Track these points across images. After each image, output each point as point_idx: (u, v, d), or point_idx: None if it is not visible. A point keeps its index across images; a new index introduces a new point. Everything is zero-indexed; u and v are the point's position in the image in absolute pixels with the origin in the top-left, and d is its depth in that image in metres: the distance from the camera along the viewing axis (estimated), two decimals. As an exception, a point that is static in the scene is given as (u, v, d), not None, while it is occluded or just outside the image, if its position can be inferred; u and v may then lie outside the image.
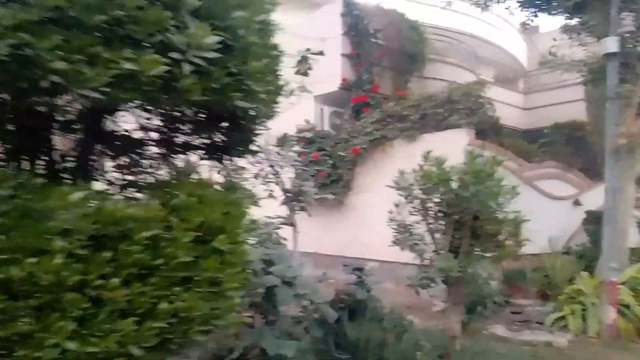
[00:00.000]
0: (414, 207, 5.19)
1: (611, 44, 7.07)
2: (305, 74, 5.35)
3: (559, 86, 14.83)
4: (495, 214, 4.43)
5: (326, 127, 11.90)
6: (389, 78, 11.91)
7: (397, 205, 5.35)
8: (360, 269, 5.89)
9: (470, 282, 6.59)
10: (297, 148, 11.62)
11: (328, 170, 10.77)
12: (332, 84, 11.62)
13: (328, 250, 11.51)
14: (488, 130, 9.25)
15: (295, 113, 12.21)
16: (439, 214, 4.89)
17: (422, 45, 12.06)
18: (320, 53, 5.31)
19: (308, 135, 11.24)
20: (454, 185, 4.64)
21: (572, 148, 11.00)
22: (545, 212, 10.60)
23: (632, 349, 6.68)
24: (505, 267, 9.18)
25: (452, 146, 8.20)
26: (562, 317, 7.62)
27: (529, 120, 16.03)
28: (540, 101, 16.15)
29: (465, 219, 4.65)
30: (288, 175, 6.50)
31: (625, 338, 7.01)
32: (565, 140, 11.09)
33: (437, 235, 4.98)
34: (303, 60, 5.27)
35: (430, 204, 5.02)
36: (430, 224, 5.06)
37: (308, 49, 5.26)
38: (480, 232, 4.60)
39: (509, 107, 15.26)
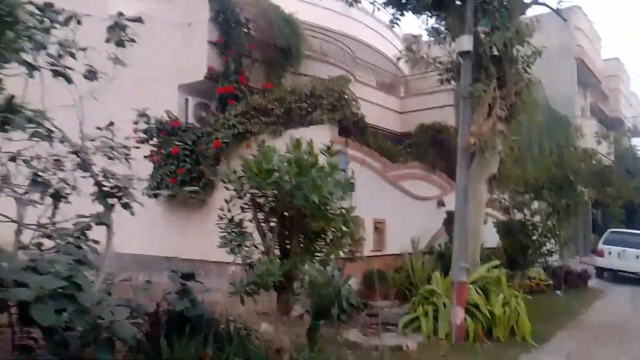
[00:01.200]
0: (246, 204, 4.54)
1: (465, 43, 7.06)
2: (120, 44, 4.45)
3: (433, 91, 15.25)
4: (322, 209, 3.90)
5: (191, 120, 10.94)
6: (260, 71, 11.27)
7: (227, 202, 4.65)
8: (189, 276, 5.12)
9: (316, 286, 6.12)
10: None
11: (188, 166, 9.83)
12: (198, 73, 10.71)
13: (189, 254, 10.53)
14: (352, 128, 8.98)
15: (156, 102, 11.13)
16: (268, 211, 4.27)
17: (297, 40, 11.57)
18: (138, 20, 4.45)
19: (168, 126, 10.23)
20: (285, 177, 4.04)
21: (436, 150, 11.20)
22: (409, 212, 10.64)
23: (477, 351, 6.65)
24: (365, 268, 8.94)
25: (315, 144, 7.76)
26: (417, 319, 7.48)
27: (404, 124, 16.36)
28: (415, 105, 16.56)
29: (293, 216, 4.09)
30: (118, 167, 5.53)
31: (473, 339, 7.01)
32: (429, 142, 11.27)
33: (269, 235, 4.35)
34: (115, 28, 4.38)
35: (261, 200, 4.38)
36: (260, 221, 4.42)
37: (121, 14, 4.38)
38: (308, 230, 4.05)
39: (386, 111, 15.41)
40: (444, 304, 7.21)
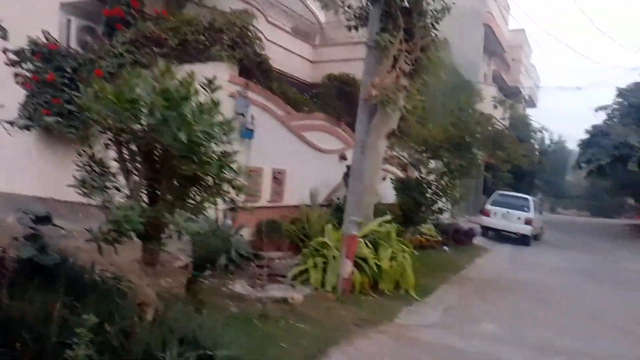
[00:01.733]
0: (110, 139, 3.91)
1: (373, -12, 6.69)
2: None
3: (347, 42, 14.83)
4: (195, 150, 3.41)
5: (73, 44, 9.64)
6: (160, -1, 10.13)
7: (87, 137, 4.00)
8: (44, 219, 4.44)
9: (198, 236, 5.69)
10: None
11: (66, 97, 8.69)
12: (83, -10, 9.38)
13: (70, 196, 9.53)
14: (255, 70, 8.38)
15: (31, 19, 9.65)
16: (133, 149, 3.69)
17: (203, -33, 10.49)
18: None
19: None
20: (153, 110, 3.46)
21: (342, 102, 10.95)
22: (311, 165, 10.41)
23: (362, 303, 6.68)
24: (259, 219, 8.64)
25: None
26: (307, 271, 7.36)
27: (316, 74, 15.89)
28: (328, 56, 16.09)
29: (162, 156, 3.56)
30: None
31: (360, 292, 7.04)
32: (336, 94, 10.98)
33: (133, 177, 3.80)
34: None
35: (126, 135, 3.77)
36: (126, 160, 3.84)
37: None
38: (178, 174, 3.56)
39: (297, 58, 14.80)
40: (334, 257, 7.13)
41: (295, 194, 9.80)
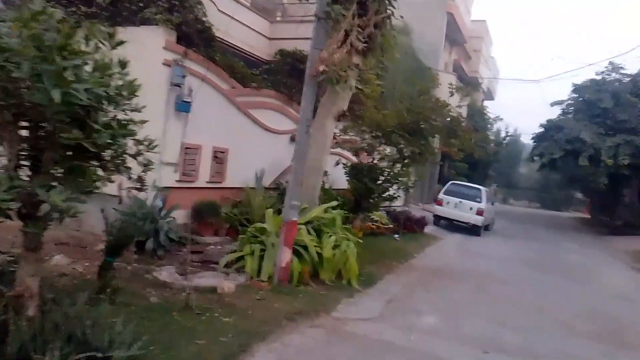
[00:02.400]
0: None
1: (325, -46, 6.12)
2: None
3: (307, 20, 14.17)
4: (79, 115, 2.81)
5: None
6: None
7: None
8: None
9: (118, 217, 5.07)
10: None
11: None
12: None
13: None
14: (196, 38, 7.69)
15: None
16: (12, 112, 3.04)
17: None
18: None
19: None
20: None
21: (295, 80, 10.36)
22: (258, 145, 9.83)
23: (299, 294, 6.22)
24: (196, 200, 8.04)
25: (143, 49, 6.37)
26: (243, 258, 6.84)
27: (273, 51, 15.19)
28: (287, 33, 15.38)
29: (39, 121, 2.94)
30: None
31: (298, 282, 6.59)
32: (289, 71, 10.38)
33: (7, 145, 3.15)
34: None
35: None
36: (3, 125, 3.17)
37: None
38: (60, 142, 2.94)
39: (253, 33, 14.03)
40: (273, 244, 6.65)
41: (239, 175, 9.21)
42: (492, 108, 31.21)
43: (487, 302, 7.51)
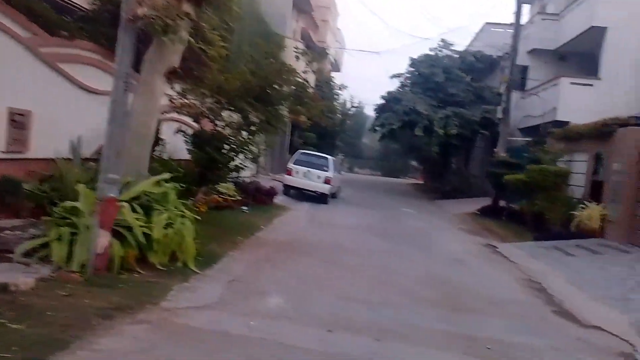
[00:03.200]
0: None
1: None
2: None
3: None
4: None
5: None
6: None
7: None
8: None
9: None
10: None
11: None
12: None
13: None
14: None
15: None
16: None
17: None
18: None
19: None
20: None
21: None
22: (74, 106, 8.24)
23: (120, 284, 5.19)
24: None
25: None
26: (48, 245, 5.54)
27: None
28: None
29: None
30: None
31: (121, 269, 5.55)
32: (110, 20, 8.80)
33: None
34: None
35: None
36: None
37: None
38: None
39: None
40: (87, 226, 5.47)
41: (49, 144, 7.60)
42: (339, 80, 32.01)
43: (335, 275, 7.28)
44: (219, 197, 12.01)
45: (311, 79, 21.70)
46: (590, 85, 17.31)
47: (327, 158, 17.72)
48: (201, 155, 10.11)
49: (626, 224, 11.24)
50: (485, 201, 20.26)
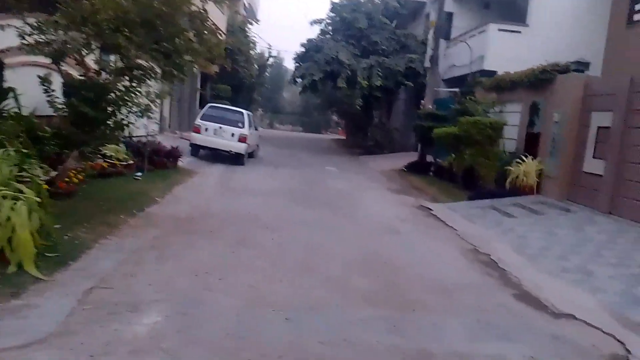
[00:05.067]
0: None
1: None
2: None
3: None
4: None
5: None
6: None
7: None
8: None
9: None
10: None
11: None
12: None
13: None
14: None
15: None
16: None
17: None
18: None
19: None
20: None
21: None
22: None
23: None
24: None
25: None
26: None
27: None
28: None
29: None
30: None
31: None
32: None
33: None
34: None
35: None
36: None
37: None
38: None
39: None
40: None
41: None
42: (257, 31, 29.32)
43: (245, 266, 5.58)
44: (105, 162, 9.75)
45: (221, 21, 19.15)
46: (519, 32, 16.45)
47: (242, 113, 15.58)
48: (72, 110, 7.79)
49: (565, 179, 10.49)
50: (410, 156, 19.37)
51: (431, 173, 16.40)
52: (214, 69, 22.10)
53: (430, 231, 8.69)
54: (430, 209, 10.41)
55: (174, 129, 19.80)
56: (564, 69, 11.11)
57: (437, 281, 5.80)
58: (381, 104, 25.71)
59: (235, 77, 24.56)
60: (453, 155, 13.91)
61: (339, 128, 44.03)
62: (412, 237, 8.14)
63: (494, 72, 15.84)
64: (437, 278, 5.92)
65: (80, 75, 8.09)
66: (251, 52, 26.84)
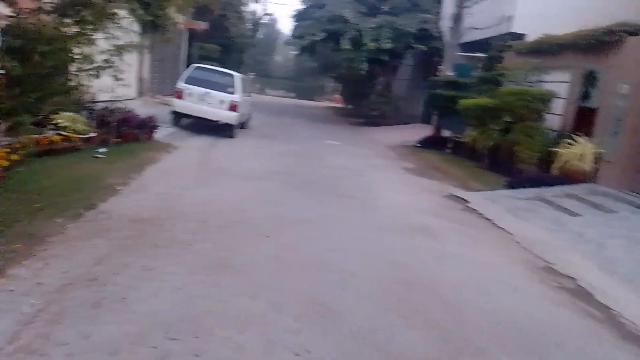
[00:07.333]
0: None
1: None
2: None
3: None
4: None
5: None
6: None
7: None
8: None
9: None
10: None
11: None
12: None
13: None
14: None
15: None
16: None
17: None
18: None
19: None
20: None
21: None
22: None
23: None
24: None
25: None
26: None
27: None
28: None
29: None
30: None
31: None
32: None
33: None
34: None
35: None
36: None
37: None
38: None
39: None
40: None
41: None
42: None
43: (231, 312, 3.50)
44: (58, 135, 7.59)
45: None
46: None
47: (232, 75, 13.21)
48: (9, 66, 5.59)
49: (629, 165, 8.52)
50: (418, 129, 17.31)
51: (448, 150, 14.37)
52: (202, 25, 19.58)
53: (476, 234, 6.69)
54: (466, 200, 8.40)
55: (154, 93, 17.43)
56: (634, 30, 8.94)
57: (510, 322, 3.83)
58: (386, 70, 23.33)
59: (225, 36, 22.02)
60: (477, 130, 11.86)
61: (335, 95, 41.45)
62: (453, 243, 6.11)
63: (522, 35, 13.70)
64: (515, 321, 3.93)
65: (8, 16, 5.88)
66: (242, 7, 24.18)
